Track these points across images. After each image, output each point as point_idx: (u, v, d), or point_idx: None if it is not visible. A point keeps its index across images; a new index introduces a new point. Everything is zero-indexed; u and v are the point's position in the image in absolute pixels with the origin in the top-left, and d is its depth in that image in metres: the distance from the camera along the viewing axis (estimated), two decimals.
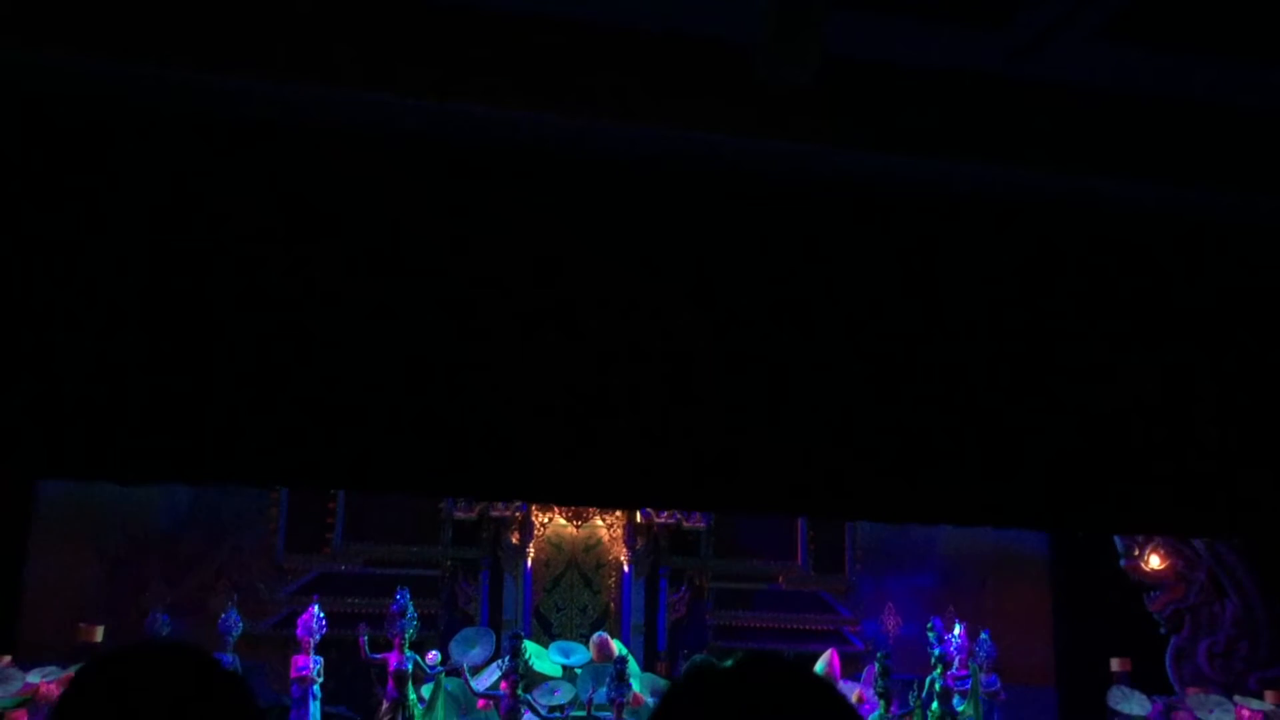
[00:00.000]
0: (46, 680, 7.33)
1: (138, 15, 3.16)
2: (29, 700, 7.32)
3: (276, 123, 3.35)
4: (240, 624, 7.91)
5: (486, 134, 3.44)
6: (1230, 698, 8.66)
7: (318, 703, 7.22)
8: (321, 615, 7.53)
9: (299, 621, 7.56)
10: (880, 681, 7.31)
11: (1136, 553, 9.46)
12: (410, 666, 7.01)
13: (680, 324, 3.53)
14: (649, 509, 8.61)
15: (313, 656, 7.33)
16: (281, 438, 3.34)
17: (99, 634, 7.97)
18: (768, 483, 3.67)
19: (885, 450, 3.74)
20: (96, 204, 3.25)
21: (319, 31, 3.27)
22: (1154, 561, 9.45)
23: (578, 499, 6.35)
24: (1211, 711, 8.54)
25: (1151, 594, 9.41)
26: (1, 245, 3.19)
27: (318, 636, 7.45)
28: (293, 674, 7.34)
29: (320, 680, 7.27)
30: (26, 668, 7.44)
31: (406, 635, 7.05)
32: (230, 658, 7.80)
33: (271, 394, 3.33)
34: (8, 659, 7.56)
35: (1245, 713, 8.56)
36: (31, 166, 3.22)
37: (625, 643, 8.20)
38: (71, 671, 7.39)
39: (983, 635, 8.31)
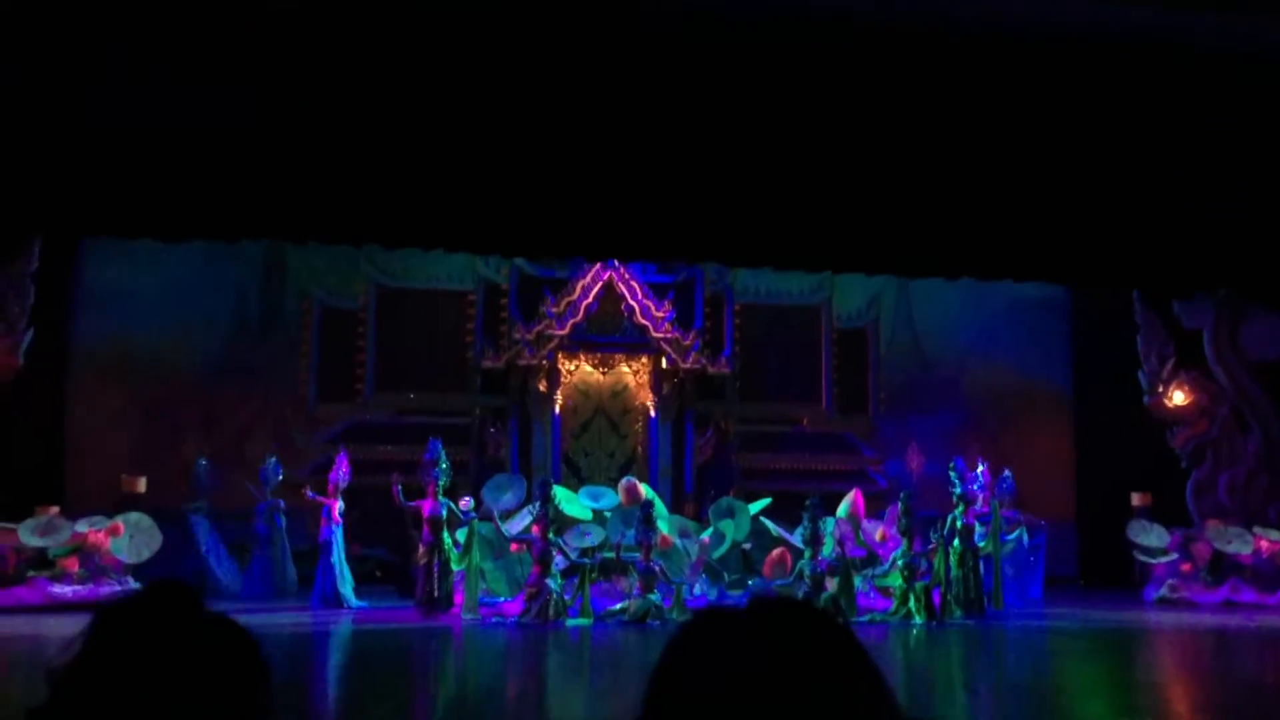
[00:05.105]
0: (94, 529, 7.56)
1: None
2: (79, 548, 7.56)
3: None
4: (280, 472, 8.16)
5: None
6: (1249, 529, 8.76)
7: (340, 544, 7.56)
8: (346, 465, 7.76)
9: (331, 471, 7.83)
10: (903, 520, 7.39)
11: (1161, 389, 9.45)
12: (444, 512, 7.17)
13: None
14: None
15: (339, 501, 7.60)
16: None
17: (141, 484, 8.19)
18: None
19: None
20: None
21: None
22: (1178, 397, 9.42)
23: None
24: (1230, 542, 8.62)
25: (1174, 429, 9.43)
26: None
27: (343, 484, 7.68)
28: (322, 519, 7.63)
29: (341, 524, 7.58)
30: (74, 517, 7.67)
31: (440, 484, 7.20)
32: (269, 502, 8.11)
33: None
34: (55, 510, 7.79)
35: (1264, 543, 8.63)
36: None
37: (653, 486, 8.36)
38: (119, 521, 7.65)
39: (1005, 473, 8.41)
